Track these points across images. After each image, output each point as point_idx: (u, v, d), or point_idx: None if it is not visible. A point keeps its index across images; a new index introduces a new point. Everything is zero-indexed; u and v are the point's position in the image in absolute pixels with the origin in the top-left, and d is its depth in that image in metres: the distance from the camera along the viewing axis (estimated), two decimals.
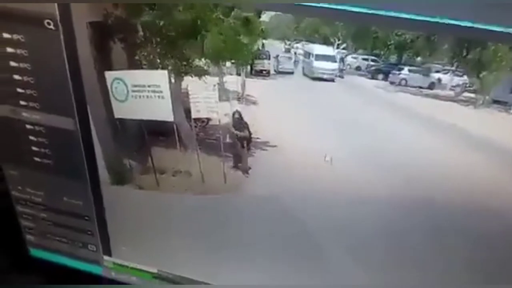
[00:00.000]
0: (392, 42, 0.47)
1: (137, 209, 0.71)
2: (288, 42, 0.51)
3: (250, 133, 0.55)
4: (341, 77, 0.51)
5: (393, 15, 0.44)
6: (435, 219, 0.55)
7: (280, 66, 0.54)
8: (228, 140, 0.58)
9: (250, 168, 0.58)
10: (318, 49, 0.52)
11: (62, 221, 0.76)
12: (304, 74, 0.54)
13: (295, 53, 0.52)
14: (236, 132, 0.57)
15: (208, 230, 0.68)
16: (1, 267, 0.88)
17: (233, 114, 0.56)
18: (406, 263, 0.58)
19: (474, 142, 0.49)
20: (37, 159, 0.70)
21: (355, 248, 0.60)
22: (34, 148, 0.69)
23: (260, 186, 0.60)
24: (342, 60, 0.51)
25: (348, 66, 0.51)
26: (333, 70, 0.52)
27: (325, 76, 0.52)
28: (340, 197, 0.57)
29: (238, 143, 0.58)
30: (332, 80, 0.52)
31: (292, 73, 0.54)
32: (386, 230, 0.57)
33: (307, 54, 0.53)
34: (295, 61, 0.53)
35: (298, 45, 0.52)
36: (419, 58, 0.47)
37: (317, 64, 0.52)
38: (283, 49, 0.52)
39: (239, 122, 0.56)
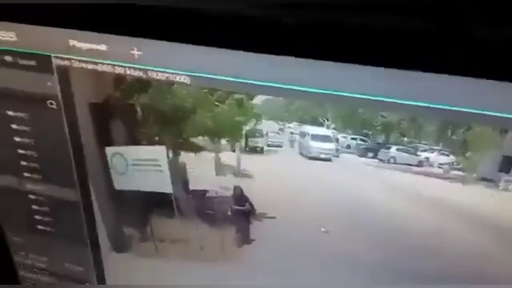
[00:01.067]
0: (378, 123, 0.48)
1: (136, 275, 0.71)
2: (281, 123, 0.53)
3: (252, 207, 0.57)
4: (337, 156, 0.53)
5: (377, 99, 0.45)
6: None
7: (269, 141, 0.56)
8: (229, 213, 0.59)
9: (253, 240, 0.59)
10: (314, 129, 0.53)
11: (64, 285, 0.77)
12: (301, 153, 0.55)
13: (291, 132, 0.54)
14: (237, 207, 0.58)
15: None
16: None
17: (234, 189, 0.57)
18: None
19: (463, 217, 0.50)
20: (40, 226, 0.71)
21: None
22: (37, 217, 0.71)
23: (258, 255, 0.61)
24: (337, 139, 0.53)
25: (340, 145, 0.53)
26: (330, 149, 0.53)
27: (322, 156, 0.53)
28: (336, 265, 0.58)
29: (240, 217, 0.59)
30: (329, 160, 0.53)
31: (280, 146, 0.56)
32: None
33: (303, 134, 0.54)
34: (290, 141, 0.54)
35: (291, 125, 0.53)
36: (405, 138, 0.49)
37: (314, 144, 0.54)
38: (277, 129, 0.54)
39: (240, 196, 0.57)
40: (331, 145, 0.54)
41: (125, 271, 0.71)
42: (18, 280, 0.81)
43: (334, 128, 0.52)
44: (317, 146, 0.54)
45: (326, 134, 0.53)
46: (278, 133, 0.55)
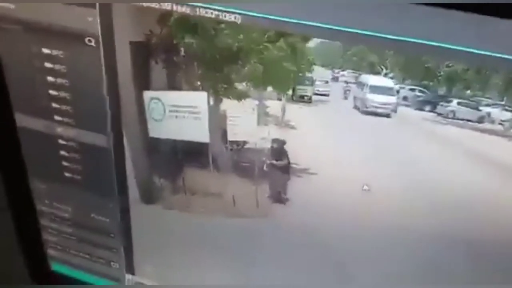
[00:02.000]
0: (442, 73, 0.46)
1: (164, 229, 0.70)
2: (336, 70, 0.50)
3: (289, 163, 0.54)
4: (395, 111, 0.48)
5: (446, 46, 0.43)
6: (475, 256, 0.53)
7: (316, 89, 0.52)
8: (265, 168, 0.57)
9: (288, 199, 0.57)
10: (374, 79, 0.48)
11: (87, 237, 0.76)
12: (355, 107, 0.50)
13: (345, 82, 0.50)
14: (274, 162, 0.56)
15: (236, 255, 0.67)
16: (22, 281, 0.87)
17: (274, 141, 0.54)
18: None
19: None
20: (67, 174, 0.70)
21: (388, 281, 0.58)
22: (65, 164, 0.69)
23: (294, 212, 0.59)
24: (398, 92, 0.47)
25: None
26: (390, 104, 0.47)
27: (380, 111, 0.48)
28: (376, 227, 0.56)
29: (276, 172, 0.56)
30: (388, 116, 0.48)
31: (327, 95, 0.52)
32: (424, 264, 0.55)
33: (361, 85, 0.49)
34: (344, 91, 0.50)
35: (345, 72, 0.50)
36: (468, 91, 0.46)
37: (372, 96, 0.48)
38: (329, 77, 0.50)
39: (278, 150, 0.55)
40: (392, 99, 0.49)
41: (152, 224, 0.70)
42: (39, 230, 0.79)
43: (391, 77, 0.48)
44: (376, 99, 0.49)
45: (388, 86, 0.48)
46: (326, 81, 0.51)
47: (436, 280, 0.56)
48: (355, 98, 0.50)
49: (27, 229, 0.79)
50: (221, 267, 0.70)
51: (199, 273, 0.72)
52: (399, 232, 0.55)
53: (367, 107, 0.50)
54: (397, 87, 0.48)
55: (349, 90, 0.51)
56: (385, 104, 0.49)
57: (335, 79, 0.50)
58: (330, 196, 0.56)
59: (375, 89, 0.49)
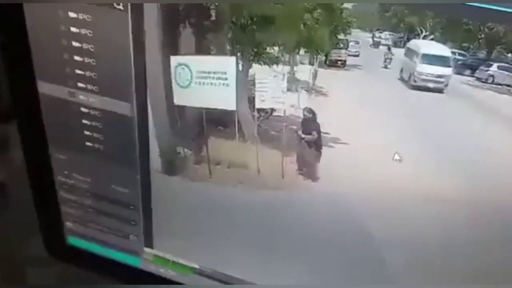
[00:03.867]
0: (483, 36, 0.44)
1: (185, 200, 0.69)
2: (377, 35, 0.48)
3: (320, 137, 0.52)
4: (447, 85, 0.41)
5: (489, 7, 0.41)
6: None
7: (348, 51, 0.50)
8: (295, 138, 0.55)
9: (318, 177, 0.56)
10: (427, 47, 0.42)
11: (106, 209, 0.75)
12: (401, 78, 0.44)
13: (388, 48, 0.47)
14: (304, 135, 0.54)
15: (259, 228, 0.66)
16: (37, 254, 0.86)
17: (304, 115, 0.53)
18: (474, 274, 0.55)
19: None
20: (88, 143, 0.69)
21: (420, 254, 0.57)
22: (86, 133, 0.68)
23: (322, 183, 0.58)
24: (469, 67, 0.41)
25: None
26: (445, 76, 0.41)
27: (431, 85, 0.42)
28: (408, 198, 0.54)
29: (306, 146, 0.55)
30: (440, 91, 0.41)
31: (357, 56, 0.49)
32: (456, 236, 0.54)
33: (410, 53, 0.43)
34: (385, 59, 0.47)
35: (387, 37, 0.48)
36: (510, 55, 0.45)
37: (423, 68, 0.42)
38: (371, 42, 0.48)
39: (310, 121, 0.53)
40: (447, 71, 0.42)
41: (174, 195, 0.69)
42: (58, 202, 0.79)
43: (432, 38, 0.47)
44: (428, 70, 0.43)
45: (444, 54, 0.41)
46: (357, 42, 0.49)
47: (468, 252, 0.55)
48: (402, 69, 0.45)
49: (46, 200, 0.78)
50: (242, 242, 0.69)
51: (219, 248, 0.71)
52: (433, 206, 0.54)
53: (415, 81, 0.43)
54: (454, 57, 0.42)
55: (390, 59, 0.47)
56: (439, 77, 0.43)
57: (376, 44, 0.47)
58: (360, 167, 0.55)
59: (428, 58, 0.43)
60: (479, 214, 0.52)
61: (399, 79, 0.46)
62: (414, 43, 0.43)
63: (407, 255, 0.58)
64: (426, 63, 0.43)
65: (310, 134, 0.56)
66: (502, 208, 0.50)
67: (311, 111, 0.54)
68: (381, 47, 0.46)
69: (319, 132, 0.55)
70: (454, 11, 0.43)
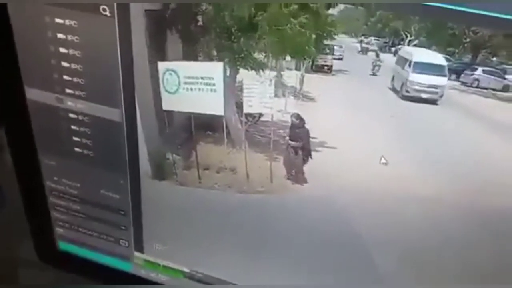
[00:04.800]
0: (468, 40, 0.45)
1: (175, 205, 0.69)
2: (365, 40, 0.48)
3: (309, 143, 0.52)
4: (441, 96, 0.38)
5: (474, 12, 0.42)
6: (498, 231, 0.52)
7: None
8: (283, 143, 0.55)
9: (306, 181, 0.56)
10: (420, 54, 0.38)
11: (96, 214, 0.75)
12: (393, 89, 0.41)
13: (377, 54, 0.46)
14: (291, 142, 0.54)
15: (249, 231, 0.66)
16: (28, 260, 0.86)
17: (292, 120, 0.53)
18: (461, 274, 0.55)
19: None
20: (77, 149, 0.69)
21: (408, 254, 0.57)
22: (75, 138, 0.68)
23: (310, 187, 0.58)
24: (455, 72, 0.37)
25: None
26: (439, 87, 0.37)
27: (424, 96, 0.38)
28: (395, 201, 0.55)
29: (294, 152, 0.55)
30: (434, 102, 0.38)
31: (341, 59, 0.47)
32: (444, 237, 0.55)
33: (402, 61, 0.41)
34: (374, 66, 0.46)
35: (373, 42, 0.47)
36: (495, 59, 0.45)
37: (415, 78, 0.38)
38: (359, 48, 0.48)
39: (298, 128, 0.53)
40: (442, 81, 0.39)
41: (163, 200, 0.69)
42: (48, 207, 0.78)
43: (415, 46, 0.47)
44: (420, 80, 0.38)
45: (438, 63, 0.38)
46: (341, 46, 0.48)
47: (454, 252, 0.55)
48: (394, 77, 0.42)
49: (36, 206, 0.78)
50: (232, 246, 0.69)
51: (209, 252, 0.71)
52: (419, 207, 0.54)
53: (408, 91, 0.40)
54: (450, 64, 0.38)
55: (379, 66, 0.46)
56: (433, 87, 0.40)
57: (364, 51, 0.47)
58: (348, 171, 0.55)
59: (420, 67, 0.40)
60: (463, 215, 0.52)
61: (390, 88, 0.44)
62: (405, 51, 0.40)
63: (395, 255, 0.59)
64: (419, 72, 0.40)
65: (297, 141, 0.56)
66: (485, 208, 0.51)
67: (298, 117, 0.54)
68: (369, 53, 0.46)
69: (307, 138, 0.55)
70: (439, 16, 0.43)
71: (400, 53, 0.40)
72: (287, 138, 0.56)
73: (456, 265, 0.57)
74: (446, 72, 0.39)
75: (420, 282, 0.60)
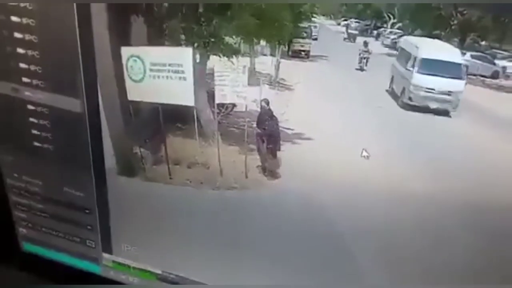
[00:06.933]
0: (455, 21, 0.41)
1: (144, 203, 0.65)
2: (352, 25, 0.43)
3: (278, 131, 0.48)
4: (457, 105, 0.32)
5: None
6: (476, 222, 0.49)
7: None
8: (255, 136, 0.51)
9: (279, 175, 0.52)
10: (430, 47, 0.28)
11: (60, 213, 0.70)
12: (391, 92, 0.34)
13: (365, 43, 0.40)
14: (259, 130, 0.50)
15: (223, 229, 0.62)
16: None
17: (261, 106, 0.48)
18: (443, 268, 0.52)
19: None
20: (37, 143, 0.64)
21: (387, 249, 0.54)
22: (34, 132, 0.63)
23: (286, 182, 0.54)
24: (466, 68, 0.29)
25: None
26: (454, 93, 0.30)
27: (432, 106, 0.31)
28: (375, 195, 0.51)
29: (270, 137, 0.51)
30: (447, 114, 0.30)
31: (316, 39, 0.41)
32: (422, 231, 0.52)
33: (404, 56, 0.31)
34: (361, 58, 0.39)
35: (354, 26, 0.43)
36: (483, 43, 0.42)
37: (421, 81, 0.28)
38: (345, 35, 0.43)
39: (266, 114, 0.49)
40: (459, 85, 0.30)
41: (132, 197, 0.64)
42: (9, 206, 0.73)
43: (399, 28, 0.43)
44: (429, 84, 0.30)
45: (452, 60, 0.29)
46: (315, 26, 0.44)
47: (435, 248, 0.52)
48: (393, 78, 0.34)
49: None
50: (207, 245, 0.65)
51: (182, 252, 0.67)
52: (401, 203, 0.51)
53: (411, 98, 0.31)
54: (466, 63, 0.29)
55: (366, 58, 0.40)
56: (445, 93, 0.30)
57: (352, 38, 0.41)
58: (326, 163, 0.51)
59: (430, 66, 0.30)
60: (448, 210, 0.49)
61: (387, 91, 0.37)
62: (409, 41, 0.30)
63: (374, 250, 0.55)
64: (426, 73, 0.30)
65: (268, 128, 0.52)
66: (467, 202, 0.48)
67: (267, 101, 0.50)
68: (358, 39, 0.39)
69: (277, 126, 0.51)
70: None
71: (402, 44, 0.31)
72: (259, 125, 0.51)
73: (427, 259, 0.54)
74: (463, 73, 0.28)
75: (396, 277, 0.57)
